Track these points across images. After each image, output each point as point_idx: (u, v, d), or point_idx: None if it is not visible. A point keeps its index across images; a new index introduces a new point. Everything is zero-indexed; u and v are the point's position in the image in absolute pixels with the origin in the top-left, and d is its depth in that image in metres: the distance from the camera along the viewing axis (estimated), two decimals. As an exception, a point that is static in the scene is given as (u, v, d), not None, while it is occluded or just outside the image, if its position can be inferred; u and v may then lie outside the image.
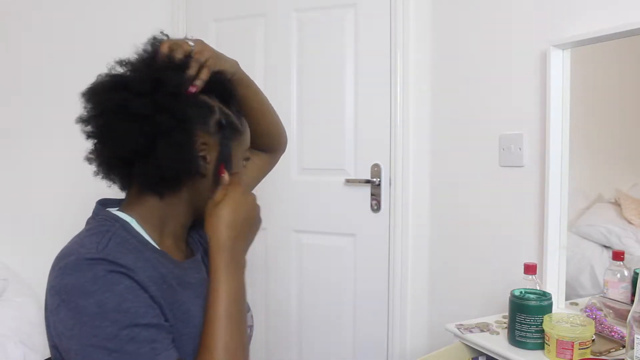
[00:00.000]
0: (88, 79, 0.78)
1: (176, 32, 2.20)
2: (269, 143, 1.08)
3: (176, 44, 0.79)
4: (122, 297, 0.64)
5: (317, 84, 1.99)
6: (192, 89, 0.76)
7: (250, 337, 0.90)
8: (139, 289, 0.66)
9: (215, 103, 0.80)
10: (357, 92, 1.94)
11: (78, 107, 0.77)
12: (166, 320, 0.69)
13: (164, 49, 0.78)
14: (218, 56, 0.83)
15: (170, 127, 0.71)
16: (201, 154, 0.77)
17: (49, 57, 2.00)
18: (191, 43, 0.81)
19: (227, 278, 0.73)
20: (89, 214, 0.82)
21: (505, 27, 1.59)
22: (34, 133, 2.00)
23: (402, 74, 1.85)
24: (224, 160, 0.79)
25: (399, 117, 1.86)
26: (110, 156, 0.76)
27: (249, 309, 0.92)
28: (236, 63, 0.90)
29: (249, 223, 0.78)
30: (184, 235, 0.84)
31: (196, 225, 0.87)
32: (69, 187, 2.04)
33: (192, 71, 0.77)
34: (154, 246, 0.76)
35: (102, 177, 0.80)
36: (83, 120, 0.75)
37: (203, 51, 0.80)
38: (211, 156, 0.78)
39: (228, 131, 0.80)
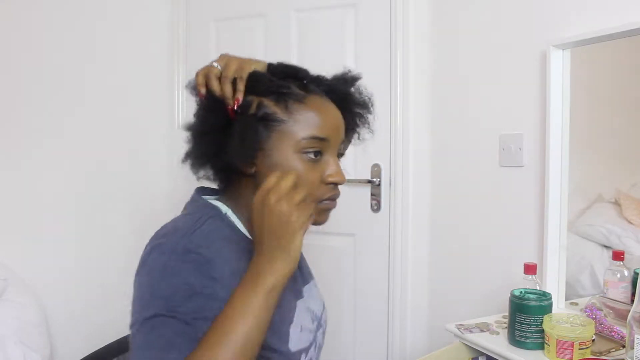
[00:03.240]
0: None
1: (176, 32, 2.20)
2: None
3: (206, 75, 0.80)
4: (174, 291, 0.67)
5: (317, 84, 1.99)
6: (235, 105, 0.78)
7: (325, 333, 0.95)
8: (202, 285, 0.68)
9: (252, 98, 0.79)
10: (357, 92, 1.93)
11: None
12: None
13: (201, 89, 0.80)
14: (245, 62, 0.81)
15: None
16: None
17: (49, 57, 2.00)
18: (215, 64, 0.80)
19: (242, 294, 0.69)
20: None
21: (505, 27, 1.59)
22: (34, 134, 2.00)
23: (402, 74, 1.85)
24: (251, 154, 0.78)
25: (399, 117, 1.86)
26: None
27: (325, 307, 0.97)
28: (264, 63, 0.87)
29: (272, 236, 0.71)
30: None
31: None
32: (68, 188, 2.04)
33: (226, 92, 0.78)
34: (246, 237, 0.79)
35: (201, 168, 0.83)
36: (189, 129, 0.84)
37: (229, 66, 0.79)
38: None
39: (264, 123, 0.78)
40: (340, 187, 0.88)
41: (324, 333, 0.93)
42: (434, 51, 1.85)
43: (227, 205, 0.81)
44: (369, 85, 2.03)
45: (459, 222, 1.77)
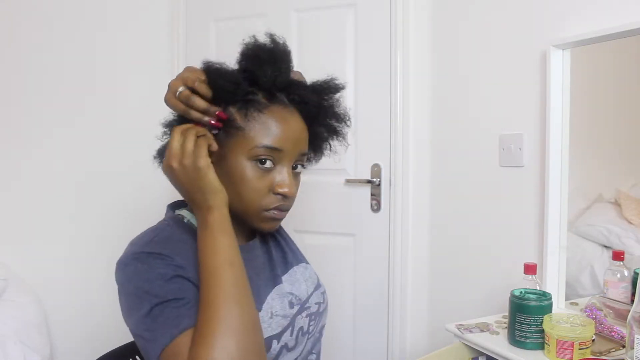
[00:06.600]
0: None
1: (176, 32, 2.20)
2: None
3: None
4: (153, 283, 0.74)
5: (317, 84, 1.99)
6: (213, 121, 0.80)
7: (322, 313, 0.96)
8: (173, 270, 0.75)
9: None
10: (357, 92, 1.93)
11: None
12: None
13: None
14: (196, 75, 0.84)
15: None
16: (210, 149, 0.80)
17: (49, 58, 2.00)
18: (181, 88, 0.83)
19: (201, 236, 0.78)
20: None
21: (505, 27, 1.59)
22: (34, 136, 2.00)
23: (402, 74, 1.85)
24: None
25: (399, 117, 1.86)
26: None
27: (320, 286, 0.99)
28: None
29: (193, 191, 0.78)
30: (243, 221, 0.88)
31: None
32: (68, 188, 2.05)
33: (195, 116, 0.81)
34: None
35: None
36: (165, 125, 0.90)
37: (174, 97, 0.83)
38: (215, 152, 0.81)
39: (225, 128, 0.82)
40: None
41: (311, 316, 0.92)
42: (434, 51, 1.85)
43: (191, 212, 0.86)
44: (369, 85, 2.04)
45: (459, 222, 1.77)
